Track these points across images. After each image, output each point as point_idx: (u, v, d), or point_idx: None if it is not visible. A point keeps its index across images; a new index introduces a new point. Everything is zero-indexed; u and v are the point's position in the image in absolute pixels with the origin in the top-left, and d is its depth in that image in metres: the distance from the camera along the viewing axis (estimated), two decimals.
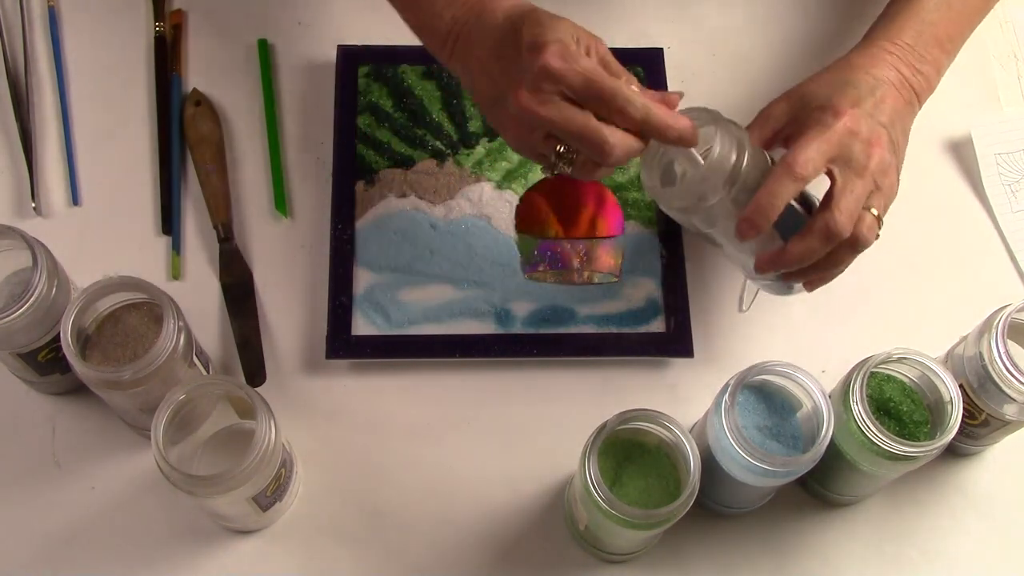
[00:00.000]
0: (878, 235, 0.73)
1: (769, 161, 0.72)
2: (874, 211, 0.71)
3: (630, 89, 0.69)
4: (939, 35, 0.80)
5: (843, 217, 0.70)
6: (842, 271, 0.75)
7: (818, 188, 0.72)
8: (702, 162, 0.70)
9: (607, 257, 0.86)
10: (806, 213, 0.72)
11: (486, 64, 0.72)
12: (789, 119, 0.74)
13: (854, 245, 0.71)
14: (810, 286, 0.75)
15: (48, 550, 0.77)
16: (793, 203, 0.71)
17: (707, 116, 0.71)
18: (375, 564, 0.78)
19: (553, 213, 0.87)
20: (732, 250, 0.75)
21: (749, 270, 0.75)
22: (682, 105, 0.72)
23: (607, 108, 0.68)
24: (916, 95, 0.78)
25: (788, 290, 0.77)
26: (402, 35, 0.91)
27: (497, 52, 0.71)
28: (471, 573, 0.78)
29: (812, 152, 0.70)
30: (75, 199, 0.88)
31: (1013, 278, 0.90)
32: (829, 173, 0.71)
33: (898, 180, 0.74)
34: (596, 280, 0.86)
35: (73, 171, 0.89)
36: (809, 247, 0.70)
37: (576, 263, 0.86)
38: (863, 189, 0.71)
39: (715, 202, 0.70)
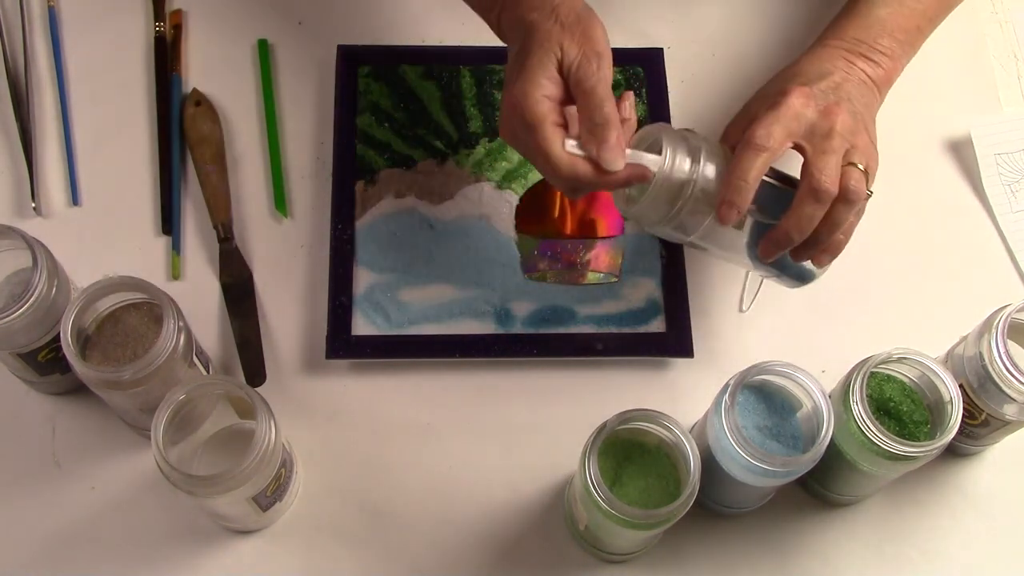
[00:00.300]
0: (870, 192, 0.72)
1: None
2: (859, 165, 0.71)
3: (556, 150, 0.68)
4: (891, 28, 0.80)
5: (824, 176, 0.69)
6: (846, 238, 0.74)
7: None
8: (655, 171, 0.69)
9: (607, 257, 0.86)
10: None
11: (511, 58, 0.74)
12: (746, 123, 0.73)
13: (847, 199, 0.70)
14: (820, 260, 0.74)
15: (48, 550, 0.77)
16: (777, 184, 0.71)
17: (656, 131, 0.71)
18: (375, 564, 0.78)
19: (553, 213, 0.87)
20: (730, 254, 0.75)
21: (757, 265, 0.75)
22: (681, 113, 0.72)
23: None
24: (872, 81, 0.77)
25: (805, 277, 0.76)
26: (402, 35, 0.91)
27: (514, 56, 0.73)
28: (471, 573, 0.78)
29: (768, 126, 0.69)
30: (75, 199, 0.88)
31: (1013, 278, 0.90)
32: (799, 148, 0.71)
33: (874, 147, 0.74)
34: (596, 280, 0.86)
35: (73, 171, 0.89)
36: (801, 214, 0.70)
37: (576, 263, 0.86)
38: (837, 147, 0.70)
39: (685, 205, 0.69)
